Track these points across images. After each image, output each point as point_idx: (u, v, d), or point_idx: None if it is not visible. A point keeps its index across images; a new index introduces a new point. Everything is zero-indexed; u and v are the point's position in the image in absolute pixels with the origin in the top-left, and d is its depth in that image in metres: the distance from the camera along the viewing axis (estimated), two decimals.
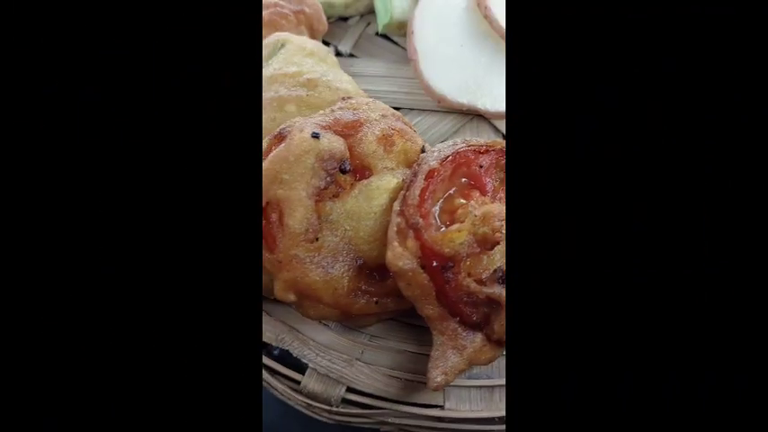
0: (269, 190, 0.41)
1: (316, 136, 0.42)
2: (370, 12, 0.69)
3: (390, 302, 0.45)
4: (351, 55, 0.66)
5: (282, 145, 0.42)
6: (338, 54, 0.66)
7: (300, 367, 0.49)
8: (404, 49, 0.65)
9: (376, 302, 0.44)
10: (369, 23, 0.69)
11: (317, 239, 0.42)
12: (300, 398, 0.49)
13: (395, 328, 0.51)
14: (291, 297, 0.42)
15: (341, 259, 0.43)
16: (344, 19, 0.69)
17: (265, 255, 0.42)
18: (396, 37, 0.66)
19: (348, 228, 0.43)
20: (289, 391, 0.49)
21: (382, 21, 0.64)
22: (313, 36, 0.60)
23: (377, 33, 0.67)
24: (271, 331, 0.50)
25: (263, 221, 0.41)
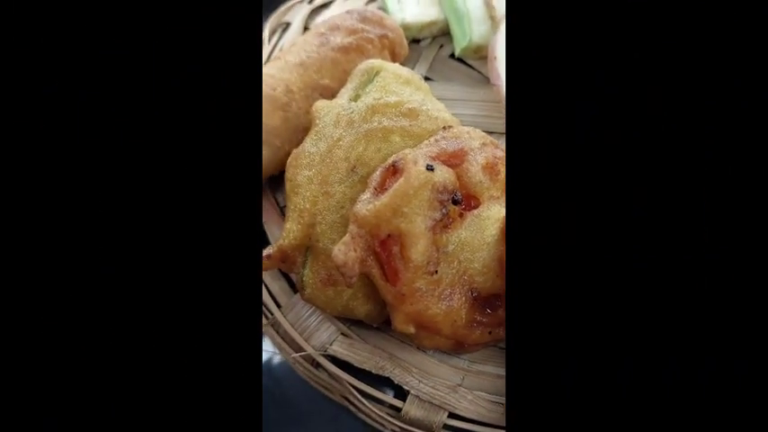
0: (390, 223, 0.41)
1: (430, 168, 0.43)
2: (443, 34, 0.69)
3: (502, 332, 0.45)
4: (426, 78, 0.66)
5: (401, 179, 0.42)
6: None
7: (397, 393, 0.49)
8: (479, 72, 0.66)
9: (489, 333, 0.44)
10: (441, 45, 0.68)
11: (436, 272, 0.42)
12: (399, 424, 0.49)
13: (492, 354, 0.51)
14: (411, 329, 0.42)
15: (458, 291, 0.43)
16: (417, 41, 0.69)
17: (387, 287, 0.42)
18: (470, 60, 0.66)
19: (462, 259, 0.43)
20: (386, 417, 0.49)
21: (460, 44, 0.64)
22: (394, 60, 0.61)
23: (452, 56, 0.67)
24: (369, 358, 0.50)
25: (384, 254, 0.42)
